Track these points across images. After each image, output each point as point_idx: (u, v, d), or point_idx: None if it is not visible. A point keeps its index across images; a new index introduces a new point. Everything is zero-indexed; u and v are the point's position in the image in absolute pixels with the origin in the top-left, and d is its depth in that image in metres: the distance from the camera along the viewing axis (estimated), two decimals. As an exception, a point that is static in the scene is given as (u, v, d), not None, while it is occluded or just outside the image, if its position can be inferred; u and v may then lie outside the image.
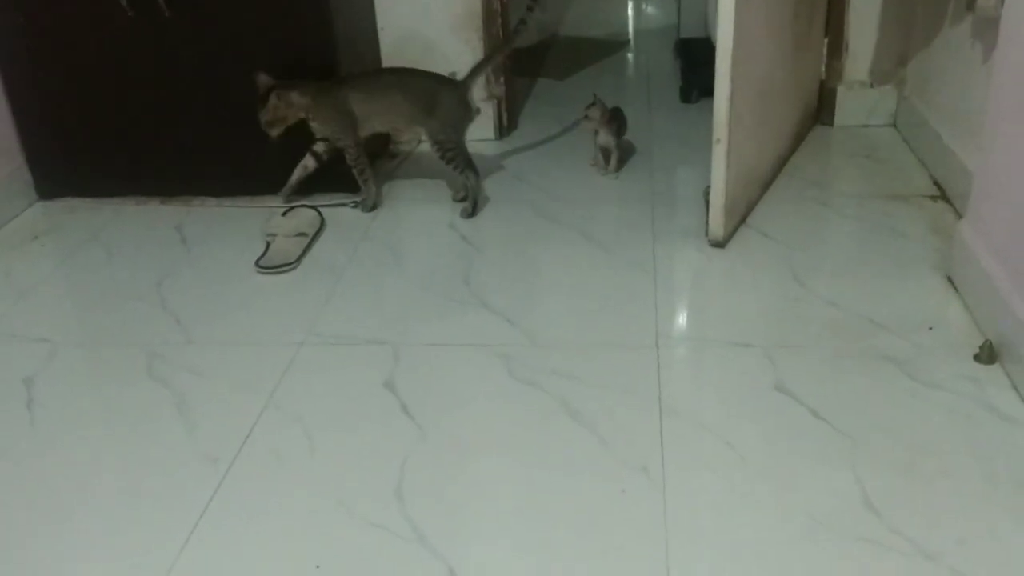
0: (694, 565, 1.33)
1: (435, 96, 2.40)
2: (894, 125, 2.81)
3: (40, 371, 1.86)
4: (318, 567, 1.36)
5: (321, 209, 2.41)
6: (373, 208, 2.47)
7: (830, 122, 2.86)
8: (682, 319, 1.97)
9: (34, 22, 2.41)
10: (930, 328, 1.84)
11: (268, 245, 2.25)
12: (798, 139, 2.73)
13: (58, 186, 2.61)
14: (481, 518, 1.45)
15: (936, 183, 2.43)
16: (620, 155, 2.63)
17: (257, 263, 2.19)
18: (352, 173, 2.45)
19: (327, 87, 2.34)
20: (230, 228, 2.41)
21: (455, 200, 2.53)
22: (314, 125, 2.37)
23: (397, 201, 2.56)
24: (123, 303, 2.10)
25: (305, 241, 2.28)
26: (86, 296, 2.18)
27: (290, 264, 2.19)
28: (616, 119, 2.60)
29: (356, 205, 2.49)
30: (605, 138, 2.59)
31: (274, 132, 2.31)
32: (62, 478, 1.57)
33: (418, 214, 2.50)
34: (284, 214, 2.37)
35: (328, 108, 2.35)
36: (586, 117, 2.57)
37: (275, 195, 2.49)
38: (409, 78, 2.43)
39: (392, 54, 2.83)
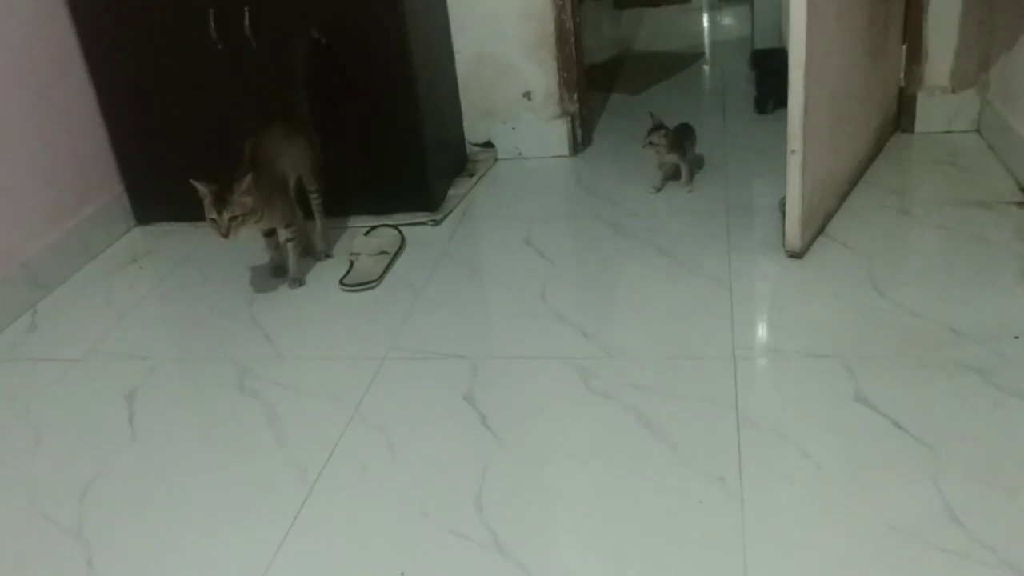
0: None
1: (310, 133, 2.36)
2: (977, 131, 2.75)
3: (140, 386, 1.97)
4: (403, 574, 1.41)
5: (401, 228, 2.49)
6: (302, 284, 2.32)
7: (911, 129, 2.81)
8: (759, 330, 1.97)
9: (132, 57, 2.56)
10: (1016, 337, 1.80)
11: (352, 264, 2.33)
12: (877, 147, 2.70)
13: (154, 211, 2.75)
14: (559, 527, 1.48)
15: (1022, 188, 2.37)
16: (690, 169, 2.64)
17: (342, 281, 2.28)
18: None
19: (252, 169, 2.11)
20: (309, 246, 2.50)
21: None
22: (264, 220, 2.17)
23: (474, 218, 2.62)
24: (216, 321, 2.21)
25: (387, 259, 2.35)
26: (181, 315, 2.30)
27: (373, 282, 2.27)
28: (682, 135, 2.61)
29: (436, 224, 2.56)
30: (671, 157, 2.60)
31: (234, 235, 2.08)
32: (161, 487, 1.67)
33: (494, 230, 2.55)
34: (366, 234, 2.45)
35: (270, 185, 2.18)
36: (650, 143, 2.58)
37: (359, 215, 2.58)
38: (290, 124, 2.30)
39: (468, 76, 2.90)
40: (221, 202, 2.04)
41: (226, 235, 2.06)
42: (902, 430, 1.59)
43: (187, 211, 2.69)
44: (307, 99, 2.36)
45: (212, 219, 2.05)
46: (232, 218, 2.04)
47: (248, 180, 2.05)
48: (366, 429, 1.75)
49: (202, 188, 2.04)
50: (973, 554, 1.33)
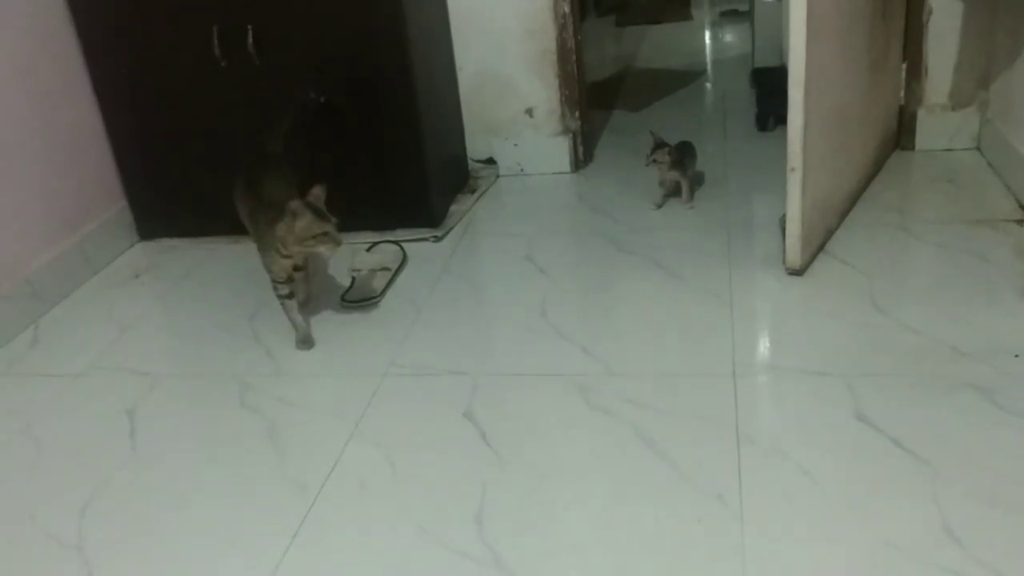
0: (772, 593, 1.34)
1: (287, 170, 2.19)
2: (978, 148, 2.76)
3: (141, 402, 1.97)
4: (402, 590, 1.41)
5: (403, 244, 2.50)
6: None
7: (911, 146, 2.82)
8: (759, 347, 1.97)
9: (136, 74, 2.57)
10: (1016, 355, 1.80)
11: (353, 280, 2.34)
12: (877, 165, 2.70)
13: (157, 227, 2.77)
14: (559, 545, 1.48)
15: (1022, 206, 2.38)
16: (690, 186, 2.65)
17: (343, 297, 2.28)
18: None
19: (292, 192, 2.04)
20: (317, 264, 2.50)
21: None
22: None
23: (476, 234, 2.63)
24: (218, 336, 2.21)
25: (388, 275, 2.36)
26: (183, 330, 2.30)
27: (374, 298, 2.27)
28: (683, 152, 2.63)
29: (437, 240, 2.57)
30: (672, 174, 2.62)
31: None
32: (161, 503, 1.67)
33: (496, 247, 2.55)
34: (368, 250, 2.46)
35: None
36: (654, 161, 2.59)
37: (361, 231, 2.58)
38: (270, 162, 2.20)
39: (470, 93, 2.92)
40: (325, 215, 1.93)
41: (340, 242, 1.95)
42: (902, 448, 1.59)
43: (190, 226, 2.73)
44: (283, 142, 2.26)
45: (325, 233, 1.91)
46: (337, 224, 1.94)
47: (325, 188, 1.95)
48: (366, 446, 1.76)
49: (297, 205, 1.90)
50: (972, 573, 1.33)
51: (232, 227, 2.67)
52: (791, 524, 1.46)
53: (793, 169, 2.09)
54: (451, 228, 2.64)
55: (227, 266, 2.56)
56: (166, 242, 2.75)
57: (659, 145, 2.59)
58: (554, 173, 2.99)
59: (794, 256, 2.17)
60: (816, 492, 1.52)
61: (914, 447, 1.59)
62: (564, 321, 2.12)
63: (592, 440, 1.71)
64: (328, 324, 2.22)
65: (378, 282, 2.33)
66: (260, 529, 1.57)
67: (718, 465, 1.60)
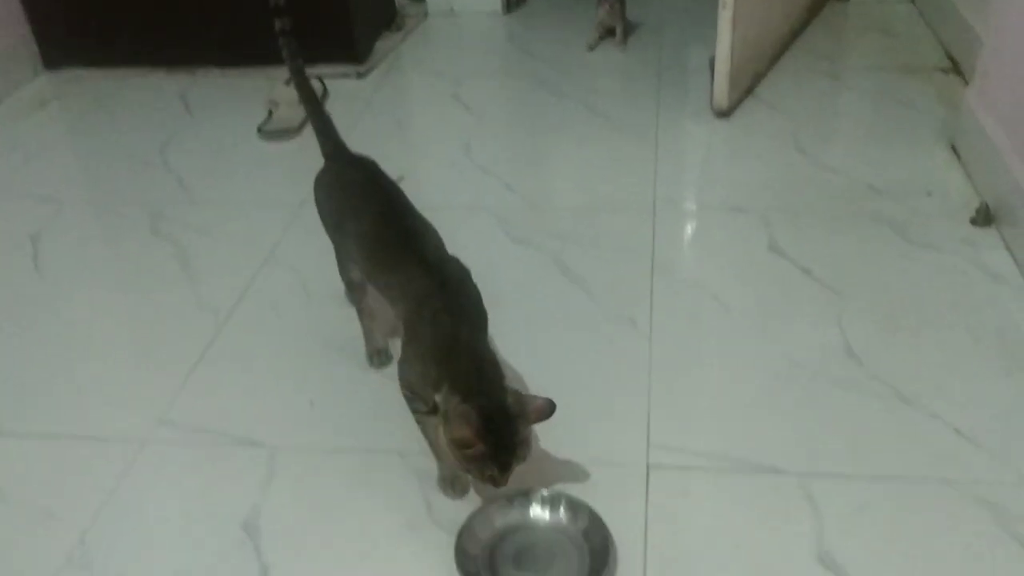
0: (674, 407, 1.37)
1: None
2: (912, 0, 2.73)
3: (46, 227, 1.90)
4: (312, 403, 1.41)
5: (325, 79, 2.40)
6: None
7: (846, -3, 2.79)
8: (681, 185, 1.97)
9: None
10: (929, 193, 1.83)
11: (271, 112, 2.25)
12: (812, 13, 2.66)
13: (64, 56, 2.60)
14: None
15: (950, 56, 2.38)
16: (624, 27, 2.59)
17: (259, 129, 2.20)
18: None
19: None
20: (233, 96, 2.40)
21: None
22: None
23: (401, 73, 2.54)
24: (128, 166, 2.12)
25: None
26: (92, 159, 2.21)
27: (292, 131, 2.20)
28: None
29: (361, 76, 2.48)
30: (609, 15, 2.55)
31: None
32: (70, 327, 1.62)
33: (422, 85, 2.48)
34: (287, 83, 2.35)
35: None
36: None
37: (280, 65, 2.47)
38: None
39: None
40: (508, 452, 1.15)
41: (500, 485, 1.18)
42: (812, 277, 1.62)
43: (99, 56, 2.58)
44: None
45: (491, 476, 1.16)
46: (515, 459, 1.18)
47: (551, 409, 1.17)
48: (280, 271, 1.72)
49: (467, 410, 1.13)
50: (869, 387, 1.37)
51: (145, 57, 2.54)
52: (698, 345, 1.49)
53: (725, 6, 2.04)
54: (375, 65, 2.54)
55: (139, 97, 2.44)
56: (73, 72, 2.59)
57: None
58: (486, 13, 2.88)
59: (721, 97, 2.15)
60: (725, 316, 1.55)
61: (823, 276, 1.62)
62: (488, 157, 2.08)
63: (512, 270, 1.71)
64: (243, 156, 2.14)
65: (296, 115, 2.24)
66: (168, 350, 1.54)
67: (632, 292, 1.61)
